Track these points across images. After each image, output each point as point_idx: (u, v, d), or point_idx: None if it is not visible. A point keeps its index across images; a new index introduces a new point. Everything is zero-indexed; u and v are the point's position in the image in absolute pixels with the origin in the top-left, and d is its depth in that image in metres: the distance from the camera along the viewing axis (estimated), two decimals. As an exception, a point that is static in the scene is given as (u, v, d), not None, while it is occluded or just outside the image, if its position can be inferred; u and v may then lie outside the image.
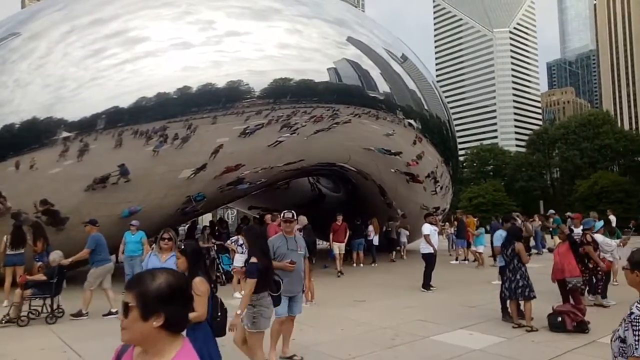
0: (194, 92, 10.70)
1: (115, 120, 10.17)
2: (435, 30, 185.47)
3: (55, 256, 8.07)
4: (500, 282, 9.20)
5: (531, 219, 19.29)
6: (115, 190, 10.67)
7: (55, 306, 7.89)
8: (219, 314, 3.75)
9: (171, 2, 11.68)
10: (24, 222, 9.90)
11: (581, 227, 10.24)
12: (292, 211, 5.71)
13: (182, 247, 3.97)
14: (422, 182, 16.08)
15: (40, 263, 8.96)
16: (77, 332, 7.26)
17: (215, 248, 12.57)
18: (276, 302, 4.98)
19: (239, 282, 10.21)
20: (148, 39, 10.90)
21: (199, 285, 3.56)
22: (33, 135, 9.91)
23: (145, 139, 10.40)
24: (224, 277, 11.70)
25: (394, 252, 16.75)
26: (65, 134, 9.85)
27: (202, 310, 3.49)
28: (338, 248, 13.55)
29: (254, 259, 4.73)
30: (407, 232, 17.19)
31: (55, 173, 10.10)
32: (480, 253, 14.57)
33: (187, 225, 20.13)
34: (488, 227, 17.15)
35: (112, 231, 10.80)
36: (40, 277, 7.89)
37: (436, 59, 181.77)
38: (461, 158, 62.07)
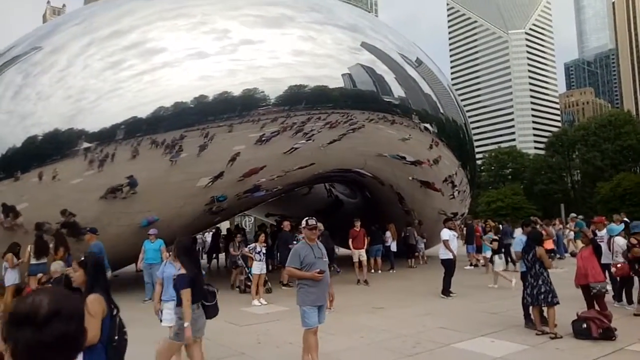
0: (210, 101, 10.81)
1: (134, 130, 10.32)
2: (449, 33, 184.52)
3: (57, 267, 7.96)
4: (513, 282, 9.03)
5: (552, 223, 18.97)
6: (135, 200, 10.81)
7: None
8: (117, 337, 3.30)
9: (186, 12, 11.84)
10: (46, 232, 10.11)
11: (604, 231, 10.02)
12: (314, 218, 5.59)
13: (82, 258, 3.59)
14: (439, 190, 15.92)
15: (40, 274, 9.02)
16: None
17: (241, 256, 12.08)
18: (212, 312, 4.98)
19: (257, 292, 10.23)
20: (165, 50, 11.05)
21: (93, 304, 3.15)
22: (55, 147, 10.12)
23: (163, 148, 10.53)
24: None
25: (413, 259, 16.58)
26: (85, 145, 10.03)
27: (92, 332, 3.06)
28: (358, 255, 13.17)
29: (182, 270, 4.72)
30: (424, 240, 17.05)
31: (77, 183, 10.29)
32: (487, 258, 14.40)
33: (212, 232, 20.34)
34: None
35: (132, 240, 10.97)
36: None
37: (451, 62, 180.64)
38: (479, 162, 61.42)
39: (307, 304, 5.26)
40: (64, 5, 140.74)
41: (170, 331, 4.85)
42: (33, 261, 9.50)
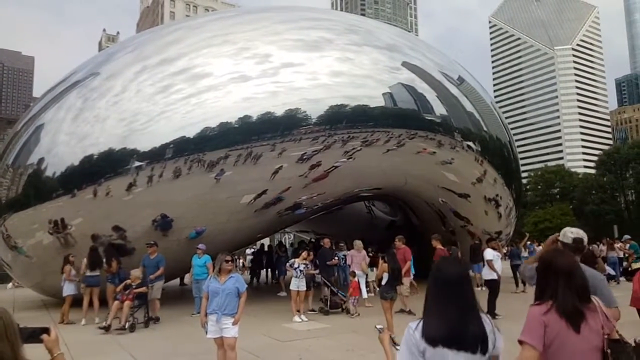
0: (254, 121, 11.18)
1: (182, 149, 10.81)
2: (492, 50, 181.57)
3: (137, 273, 9.46)
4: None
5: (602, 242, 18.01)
6: (181, 216, 11.23)
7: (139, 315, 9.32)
8: None
9: (230, 39, 12.37)
10: (99, 245, 10.65)
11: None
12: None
13: None
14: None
15: (127, 281, 9.60)
16: (151, 354, 7.62)
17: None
18: None
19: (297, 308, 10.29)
20: (210, 74, 11.58)
21: None
22: (108, 165, 10.74)
23: (209, 166, 10.95)
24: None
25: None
26: (137, 163, 10.59)
27: None
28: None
29: None
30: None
31: (128, 200, 10.83)
32: None
33: (253, 250, 20.64)
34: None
35: (180, 254, 11.37)
36: (144, 289, 9.24)
37: (494, 79, 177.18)
38: (524, 181, 59.43)
39: None
40: (118, 33, 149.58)
41: None
42: (88, 273, 10.05)
